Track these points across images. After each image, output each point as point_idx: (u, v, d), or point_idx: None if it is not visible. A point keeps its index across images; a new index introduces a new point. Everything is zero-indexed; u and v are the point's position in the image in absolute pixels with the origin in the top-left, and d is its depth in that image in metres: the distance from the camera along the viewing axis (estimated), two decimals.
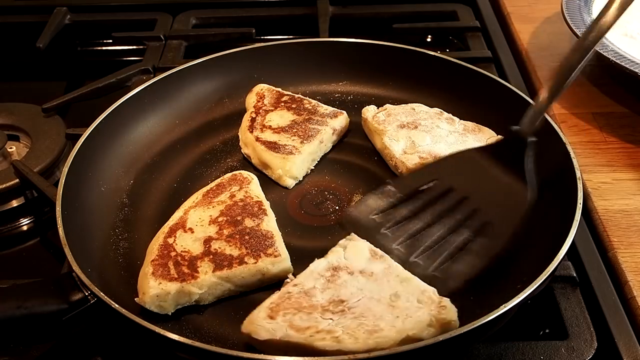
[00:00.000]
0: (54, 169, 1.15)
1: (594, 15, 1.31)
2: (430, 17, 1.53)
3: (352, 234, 0.89)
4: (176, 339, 0.73)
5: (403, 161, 1.03)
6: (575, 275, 0.91)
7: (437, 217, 0.89)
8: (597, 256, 0.96)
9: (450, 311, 0.79)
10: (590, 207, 1.03)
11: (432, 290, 0.81)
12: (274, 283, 0.89)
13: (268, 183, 1.07)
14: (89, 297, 0.80)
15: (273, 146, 1.06)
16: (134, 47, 1.52)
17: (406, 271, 0.84)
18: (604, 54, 1.16)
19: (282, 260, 0.89)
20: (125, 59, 1.54)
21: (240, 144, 1.12)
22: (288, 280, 0.86)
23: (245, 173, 1.03)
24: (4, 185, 1.09)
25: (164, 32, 1.47)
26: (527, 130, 0.91)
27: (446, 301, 0.80)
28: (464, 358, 0.83)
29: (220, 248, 0.89)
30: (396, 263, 0.85)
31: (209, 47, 1.39)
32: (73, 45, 1.58)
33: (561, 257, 0.81)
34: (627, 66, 1.13)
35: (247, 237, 0.91)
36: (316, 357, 0.73)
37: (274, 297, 0.82)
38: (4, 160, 1.17)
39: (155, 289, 0.84)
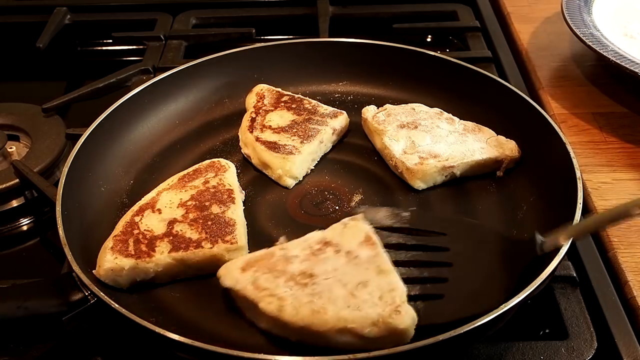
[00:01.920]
0: (54, 169, 1.15)
1: (594, 15, 1.31)
2: (430, 17, 1.53)
3: (360, 215, 0.90)
4: (176, 338, 0.73)
5: (403, 161, 1.03)
6: (575, 275, 0.91)
7: (412, 262, 0.86)
8: (597, 256, 0.96)
9: (402, 318, 0.76)
10: (590, 207, 1.03)
11: (401, 292, 0.79)
12: None
13: (268, 183, 1.07)
14: (89, 297, 0.80)
15: (273, 146, 1.06)
16: (134, 47, 1.53)
17: (390, 265, 0.83)
18: (604, 54, 1.16)
19: (237, 248, 0.90)
20: (125, 59, 1.54)
21: (240, 144, 1.12)
22: (279, 241, 0.89)
23: (223, 161, 1.05)
24: (4, 185, 1.09)
25: (164, 32, 1.47)
26: (544, 248, 0.83)
27: (405, 308, 0.77)
28: (464, 358, 0.83)
29: (181, 230, 0.92)
30: (385, 254, 0.84)
31: (209, 47, 1.39)
32: (73, 45, 1.58)
33: (561, 257, 0.81)
34: (627, 66, 1.13)
35: (209, 223, 0.93)
36: (320, 357, 0.73)
37: (258, 253, 0.86)
38: (4, 160, 1.17)
39: (110, 262, 0.86)
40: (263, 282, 0.81)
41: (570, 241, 0.82)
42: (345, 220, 0.89)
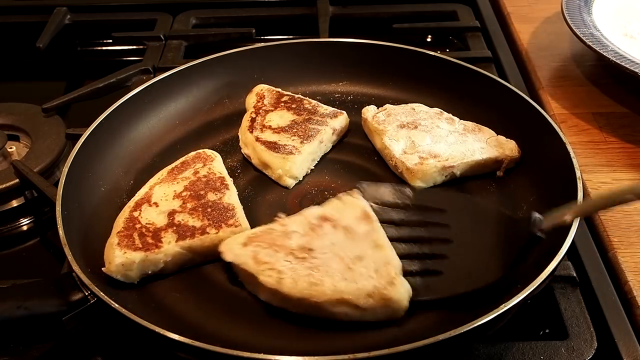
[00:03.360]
0: (54, 169, 1.15)
1: (594, 15, 1.31)
2: (430, 17, 1.53)
3: (356, 191, 0.92)
4: (176, 338, 0.73)
5: (403, 161, 1.03)
6: (575, 275, 0.91)
7: (415, 238, 0.89)
8: (597, 256, 0.96)
9: (396, 290, 0.80)
10: None
11: (396, 265, 0.83)
12: None
13: (268, 183, 1.07)
14: (89, 297, 0.80)
15: (273, 146, 1.06)
16: (134, 47, 1.53)
17: (385, 240, 0.86)
18: (604, 54, 1.16)
19: (242, 230, 0.92)
20: (125, 59, 1.54)
21: (240, 144, 1.12)
22: (279, 217, 0.91)
23: (209, 151, 1.07)
24: (4, 185, 1.09)
25: (164, 32, 1.47)
26: (541, 227, 0.83)
27: (400, 280, 0.81)
28: (464, 358, 0.83)
29: (183, 220, 0.93)
30: (382, 229, 0.87)
31: (209, 47, 1.39)
32: (73, 45, 1.58)
33: (561, 257, 0.81)
34: (627, 66, 1.13)
35: (209, 210, 0.95)
36: (320, 357, 0.73)
37: (259, 229, 0.89)
38: (4, 160, 1.17)
39: (120, 257, 0.87)
40: (263, 256, 0.84)
41: (577, 220, 0.82)
42: (341, 195, 0.92)
